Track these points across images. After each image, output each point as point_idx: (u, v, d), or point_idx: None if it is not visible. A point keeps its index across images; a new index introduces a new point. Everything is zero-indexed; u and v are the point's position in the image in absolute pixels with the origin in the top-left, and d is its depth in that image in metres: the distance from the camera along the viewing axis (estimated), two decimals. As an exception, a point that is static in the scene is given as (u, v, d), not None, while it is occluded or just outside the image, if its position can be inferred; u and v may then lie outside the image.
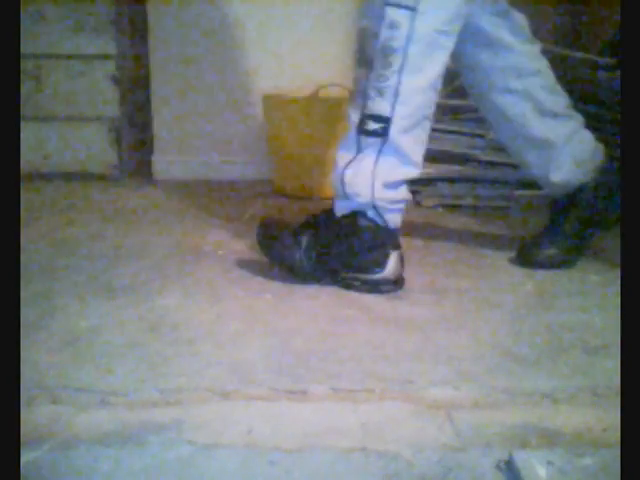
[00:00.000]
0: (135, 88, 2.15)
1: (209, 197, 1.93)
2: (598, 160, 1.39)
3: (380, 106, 1.15)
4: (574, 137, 1.38)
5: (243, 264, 1.35)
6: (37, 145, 2.12)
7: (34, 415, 0.81)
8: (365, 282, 1.22)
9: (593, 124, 1.84)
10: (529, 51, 1.33)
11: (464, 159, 1.85)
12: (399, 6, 1.10)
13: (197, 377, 0.90)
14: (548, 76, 1.35)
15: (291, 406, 0.84)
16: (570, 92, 1.82)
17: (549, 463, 0.71)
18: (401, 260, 1.24)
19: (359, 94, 1.17)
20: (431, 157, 1.87)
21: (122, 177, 2.13)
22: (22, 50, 1.92)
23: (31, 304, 1.12)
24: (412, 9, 1.10)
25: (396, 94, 1.14)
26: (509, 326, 1.08)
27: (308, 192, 1.90)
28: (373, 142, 1.17)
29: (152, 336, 1.02)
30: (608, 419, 0.81)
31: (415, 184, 1.85)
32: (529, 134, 1.35)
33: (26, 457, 0.72)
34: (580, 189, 1.37)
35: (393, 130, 1.16)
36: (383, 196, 1.19)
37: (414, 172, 1.22)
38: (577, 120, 1.41)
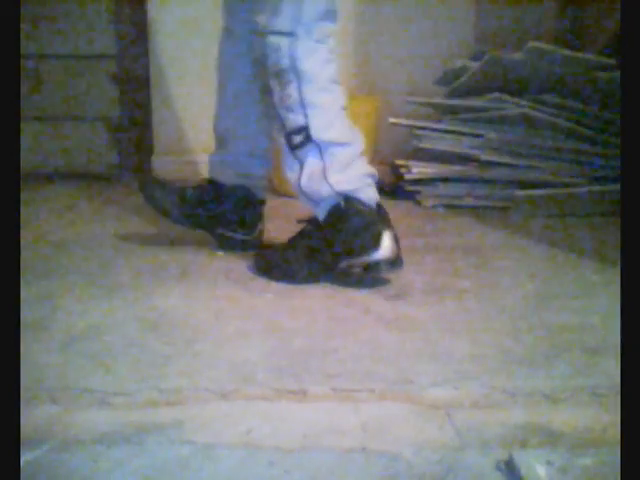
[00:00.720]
0: (135, 88, 2.15)
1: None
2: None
3: (295, 121, 1.22)
4: None
5: (243, 264, 1.35)
6: (37, 145, 2.12)
7: (34, 415, 0.81)
8: (363, 266, 1.23)
9: (593, 124, 1.85)
10: None
11: (464, 159, 1.85)
12: (280, 33, 1.19)
13: (197, 377, 0.90)
14: None
15: (291, 406, 0.84)
16: (570, 92, 1.83)
17: (549, 463, 0.71)
18: (396, 240, 1.24)
19: (273, 120, 1.27)
20: (431, 157, 1.88)
21: (122, 177, 2.13)
22: (22, 50, 1.92)
23: (31, 304, 1.12)
24: (290, 34, 1.19)
25: (303, 105, 1.22)
26: (509, 326, 1.08)
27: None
28: (307, 150, 1.23)
29: (152, 336, 1.02)
30: (608, 419, 0.81)
31: (415, 184, 1.85)
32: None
33: (26, 457, 0.72)
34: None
35: (314, 133, 1.22)
36: (342, 182, 1.23)
37: (356, 147, 1.26)
38: None
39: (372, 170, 1.28)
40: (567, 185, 1.80)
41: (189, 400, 0.85)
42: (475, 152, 1.83)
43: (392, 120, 1.88)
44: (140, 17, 2.10)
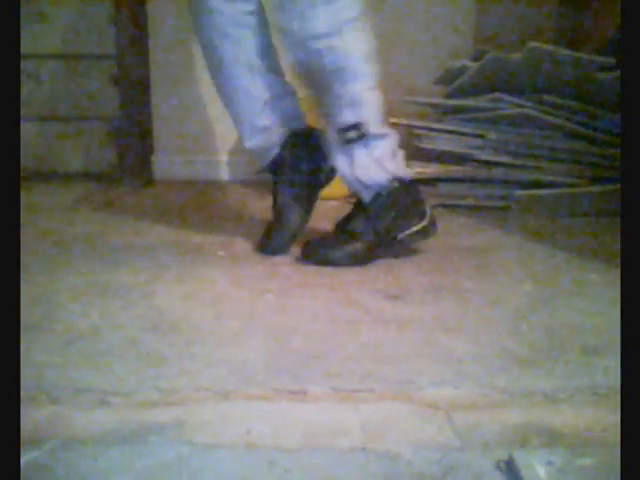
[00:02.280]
0: (135, 88, 2.15)
1: (209, 197, 1.93)
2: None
3: (348, 117, 1.30)
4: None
5: (243, 264, 1.35)
6: (37, 145, 2.13)
7: (34, 415, 0.81)
8: (417, 233, 1.39)
9: (593, 124, 1.85)
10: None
11: (464, 159, 1.85)
12: (328, 35, 1.23)
13: (197, 377, 0.90)
14: None
15: (291, 406, 0.84)
16: (570, 92, 1.83)
17: (549, 463, 0.71)
18: (430, 207, 1.43)
19: (323, 115, 1.34)
20: (431, 157, 1.88)
21: (122, 177, 2.13)
22: (22, 50, 1.92)
23: (31, 304, 1.12)
24: (337, 32, 1.24)
25: (359, 101, 1.29)
26: (509, 326, 1.08)
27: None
28: (361, 144, 1.32)
29: (152, 336, 1.02)
30: (608, 419, 0.81)
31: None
32: None
33: (26, 457, 0.72)
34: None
35: (370, 128, 1.31)
36: (398, 168, 1.37)
37: (395, 135, 1.38)
38: None
39: (402, 150, 1.41)
40: (567, 185, 1.80)
41: (189, 400, 0.85)
42: (475, 152, 1.83)
43: (392, 120, 1.88)
44: (140, 17, 2.10)
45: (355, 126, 1.30)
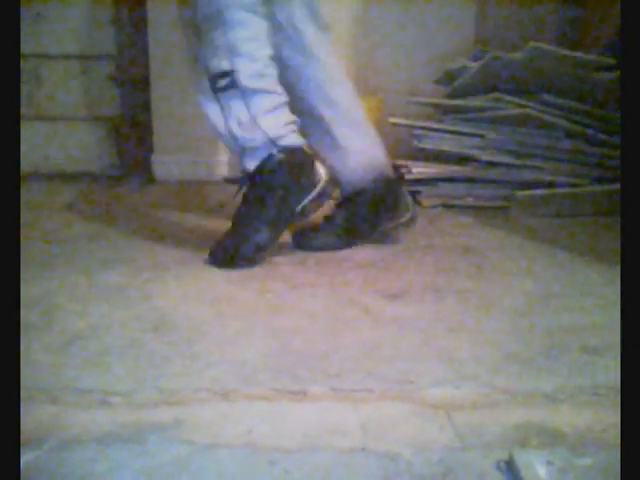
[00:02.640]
0: (135, 88, 2.15)
1: (209, 197, 1.93)
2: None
3: (220, 64, 1.26)
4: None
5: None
6: (37, 145, 2.12)
7: (34, 415, 0.81)
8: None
9: (593, 124, 1.85)
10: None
11: (464, 159, 1.85)
12: None
13: (197, 377, 0.90)
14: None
15: (291, 406, 0.84)
16: (570, 92, 1.83)
17: (549, 463, 0.71)
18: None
19: (198, 63, 1.30)
20: (431, 157, 1.88)
21: (122, 177, 2.13)
22: (22, 50, 1.92)
23: (31, 304, 1.12)
24: None
25: (229, 50, 1.25)
26: (509, 326, 1.08)
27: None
28: (230, 95, 1.28)
29: (152, 336, 1.02)
30: (608, 419, 0.81)
31: (415, 184, 1.85)
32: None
33: (26, 457, 0.72)
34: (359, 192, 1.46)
35: (244, 79, 1.27)
36: (273, 127, 1.30)
37: (281, 96, 1.32)
38: None
39: (295, 118, 1.34)
40: (567, 185, 1.80)
41: (189, 400, 0.85)
42: (475, 152, 1.83)
43: (392, 120, 1.88)
44: (140, 17, 2.10)
45: (226, 73, 1.26)
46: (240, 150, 1.33)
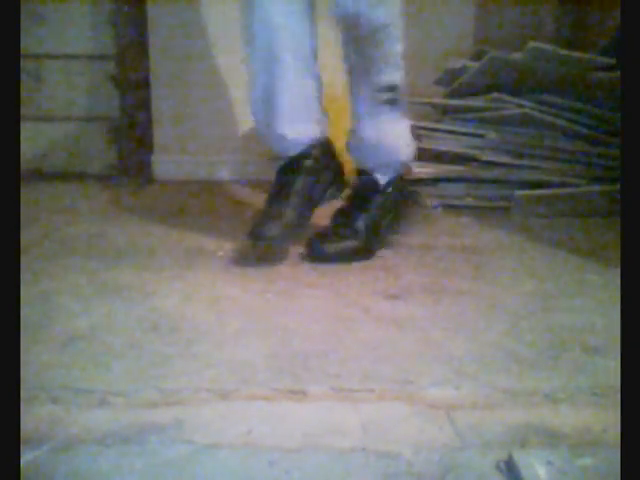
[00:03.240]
0: (135, 88, 2.15)
1: (209, 197, 1.93)
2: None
3: (387, 77, 1.30)
4: None
5: (243, 264, 1.35)
6: (37, 145, 2.12)
7: (34, 415, 0.81)
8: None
9: (593, 124, 1.85)
10: None
11: (464, 159, 1.85)
12: None
13: (197, 377, 0.90)
14: None
15: (291, 406, 0.84)
16: (570, 92, 1.83)
17: (549, 463, 0.71)
18: None
19: (360, 75, 1.31)
20: (431, 157, 1.88)
21: (122, 177, 2.13)
22: (22, 50, 1.92)
23: (31, 304, 1.12)
24: None
25: (393, 63, 1.31)
26: (509, 326, 1.08)
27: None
28: (393, 110, 1.33)
29: (152, 336, 1.02)
30: (608, 419, 0.81)
31: (415, 184, 1.85)
32: None
33: (26, 457, 0.72)
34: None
35: (402, 94, 1.33)
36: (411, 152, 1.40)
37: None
38: None
39: None
40: (567, 185, 1.80)
41: (189, 400, 0.85)
42: (475, 152, 1.83)
43: (392, 120, 1.88)
44: (140, 17, 2.10)
45: (391, 88, 1.30)
46: (383, 165, 1.38)
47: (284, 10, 1.30)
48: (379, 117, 1.32)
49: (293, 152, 1.39)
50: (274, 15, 1.31)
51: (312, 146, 1.38)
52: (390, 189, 1.40)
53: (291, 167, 1.39)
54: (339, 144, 1.46)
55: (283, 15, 1.30)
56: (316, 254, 1.35)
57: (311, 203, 1.39)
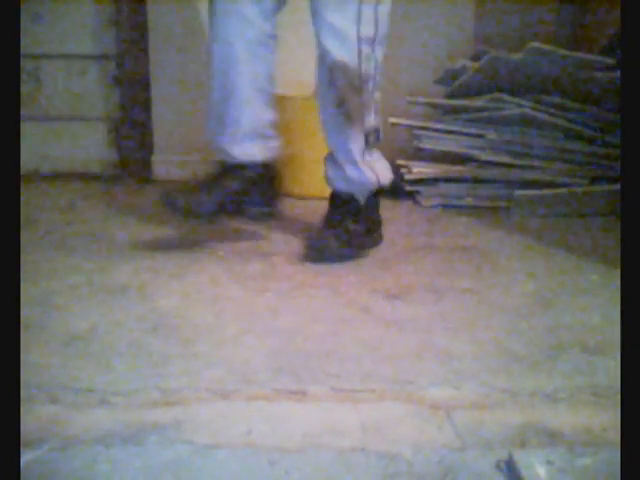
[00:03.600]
0: (135, 88, 2.14)
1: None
2: None
3: (373, 121, 1.37)
4: None
5: (243, 264, 1.35)
6: (37, 145, 2.12)
7: (34, 415, 0.81)
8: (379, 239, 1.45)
9: (593, 124, 1.85)
10: None
11: (464, 159, 1.85)
12: (369, 40, 1.30)
13: (197, 377, 0.90)
14: None
15: (291, 406, 0.84)
16: (570, 92, 1.83)
17: (549, 463, 0.71)
18: None
19: (346, 119, 1.36)
20: (431, 157, 1.88)
21: (122, 177, 2.13)
22: (22, 50, 1.92)
23: (31, 304, 1.12)
24: (374, 41, 1.31)
25: (376, 109, 1.37)
26: (509, 326, 1.08)
27: (307, 192, 1.90)
28: (375, 149, 1.41)
29: (152, 336, 1.02)
30: (608, 419, 0.81)
31: (415, 184, 1.85)
32: None
33: (26, 457, 0.72)
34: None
35: (381, 134, 1.41)
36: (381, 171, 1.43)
37: None
38: None
39: None
40: (567, 185, 1.80)
41: (189, 400, 0.85)
42: (475, 152, 1.83)
43: (392, 120, 1.88)
44: (140, 17, 2.10)
45: (376, 130, 1.38)
46: (361, 188, 1.42)
47: (243, 37, 1.35)
48: (363, 158, 1.39)
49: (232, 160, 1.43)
50: (234, 42, 1.35)
51: (255, 165, 1.43)
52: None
53: (231, 170, 1.43)
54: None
55: (242, 43, 1.35)
56: (316, 254, 1.37)
57: (235, 207, 1.43)
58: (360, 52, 1.30)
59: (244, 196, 1.43)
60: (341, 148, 1.40)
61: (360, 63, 1.31)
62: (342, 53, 1.29)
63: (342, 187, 1.43)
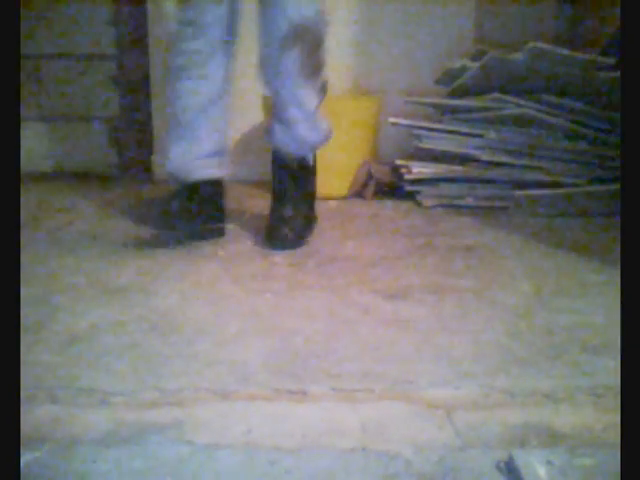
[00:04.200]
0: (135, 88, 2.15)
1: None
2: None
3: (326, 74, 1.47)
4: None
5: (243, 264, 1.35)
6: (37, 145, 2.12)
7: (34, 415, 0.81)
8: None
9: (593, 124, 1.85)
10: None
11: (464, 159, 1.85)
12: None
13: (197, 377, 0.90)
14: None
15: (291, 406, 0.84)
16: (570, 92, 1.83)
17: (549, 463, 0.71)
18: None
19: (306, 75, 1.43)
20: (431, 157, 1.88)
21: (122, 177, 2.13)
22: (22, 50, 1.92)
23: (31, 304, 1.12)
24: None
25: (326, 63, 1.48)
26: (509, 326, 1.08)
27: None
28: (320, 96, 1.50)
29: (152, 336, 1.02)
30: (608, 419, 0.81)
31: (415, 184, 1.85)
32: None
33: (26, 457, 0.72)
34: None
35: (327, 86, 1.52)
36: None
37: None
38: None
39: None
40: (567, 185, 1.80)
41: (189, 400, 0.85)
42: (475, 152, 1.83)
43: (392, 120, 1.88)
44: (140, 17, 2.10)
45: (325, 83, 1.46)
46: (310, 147, 1.52)
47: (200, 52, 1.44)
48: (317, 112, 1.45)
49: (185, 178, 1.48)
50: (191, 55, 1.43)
51: (212, 182, 1.49)
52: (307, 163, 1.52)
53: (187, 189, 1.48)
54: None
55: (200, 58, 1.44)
56: (277, 240, 1.44)
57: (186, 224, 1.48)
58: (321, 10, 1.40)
59: (199, 214, 1.48)
60: (298, 104, 1.44)
61: (323, 19, 1.40)
62: (309, 13, 1.38)
63: (292, 149, 1.48)
